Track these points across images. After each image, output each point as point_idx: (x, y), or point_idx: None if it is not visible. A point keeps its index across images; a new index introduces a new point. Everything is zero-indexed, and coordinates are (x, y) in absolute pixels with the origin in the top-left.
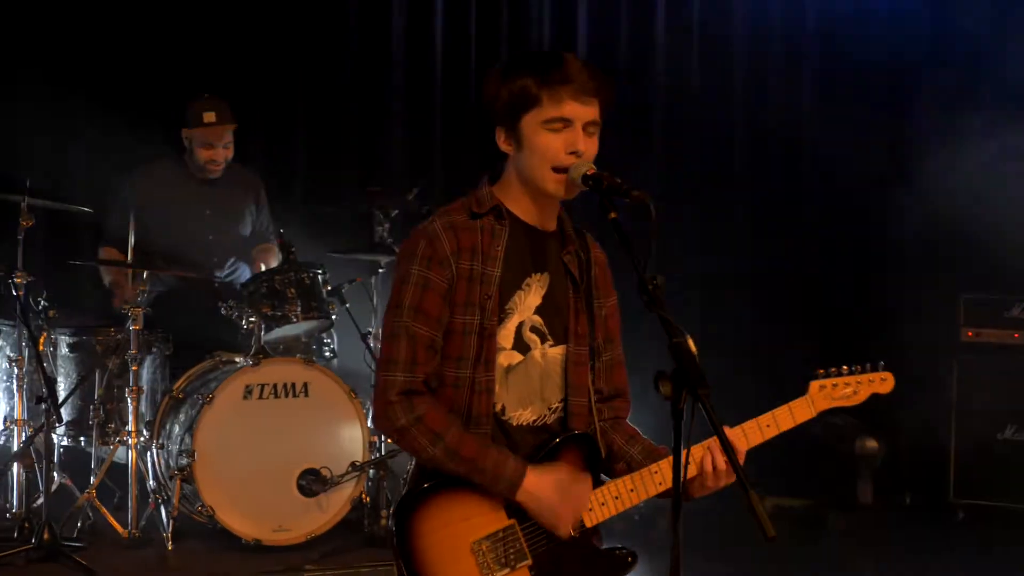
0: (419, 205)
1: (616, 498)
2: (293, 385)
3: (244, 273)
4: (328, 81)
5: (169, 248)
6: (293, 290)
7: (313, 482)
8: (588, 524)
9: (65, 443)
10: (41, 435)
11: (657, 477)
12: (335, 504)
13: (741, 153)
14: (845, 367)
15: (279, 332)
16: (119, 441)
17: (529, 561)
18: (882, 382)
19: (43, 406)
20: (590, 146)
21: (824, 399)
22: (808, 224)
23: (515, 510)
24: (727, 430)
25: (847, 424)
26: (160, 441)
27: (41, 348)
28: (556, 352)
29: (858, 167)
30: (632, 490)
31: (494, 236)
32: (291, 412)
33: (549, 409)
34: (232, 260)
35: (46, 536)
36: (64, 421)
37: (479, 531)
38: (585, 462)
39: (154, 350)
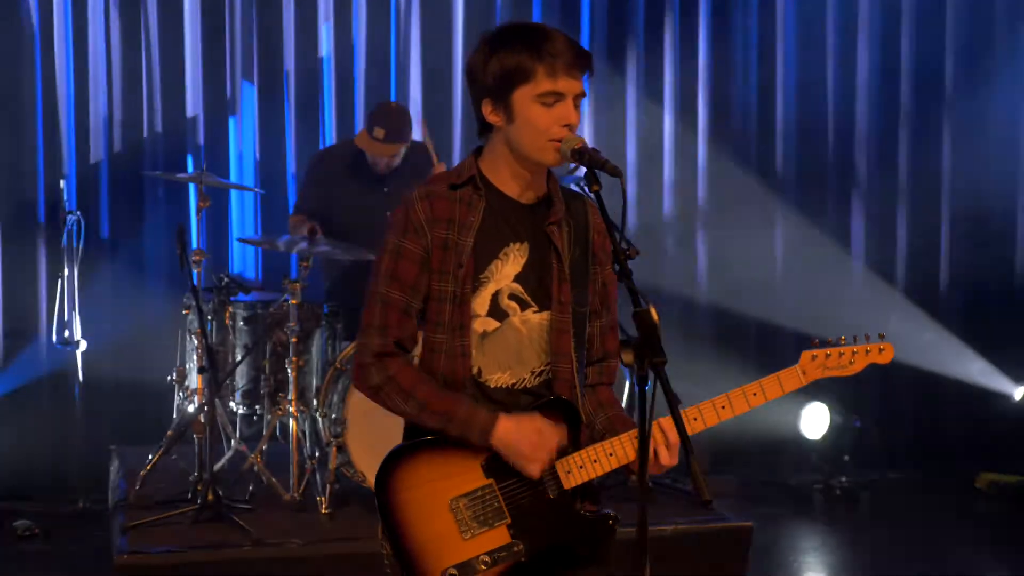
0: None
1: (595, 461)
2: None
3: None
4: None
5: (349, 225)
6: None
7: None
8: (566, 486)
9: (242, 411)
10: (198, 402)
11: (637, 443)
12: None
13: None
14: (843, 338)
15: None
16: (279, 410)
17: (508, 520)
18: (880, 352)
19: (205, 375)
20: (577, 118)
21: (816, 368)
22: None
23: (493, 470)
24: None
25: None
26: (323, 410)
27: (228, 322)
28: (541, 318)
29: None
30: (611, 454)
31: (471, 206)
32: None
33: (532, 373)
34: None
35: (210, 497)
36: (240, 390)
37: (457, 489)
38: (565, 426)
39: (323, 323)
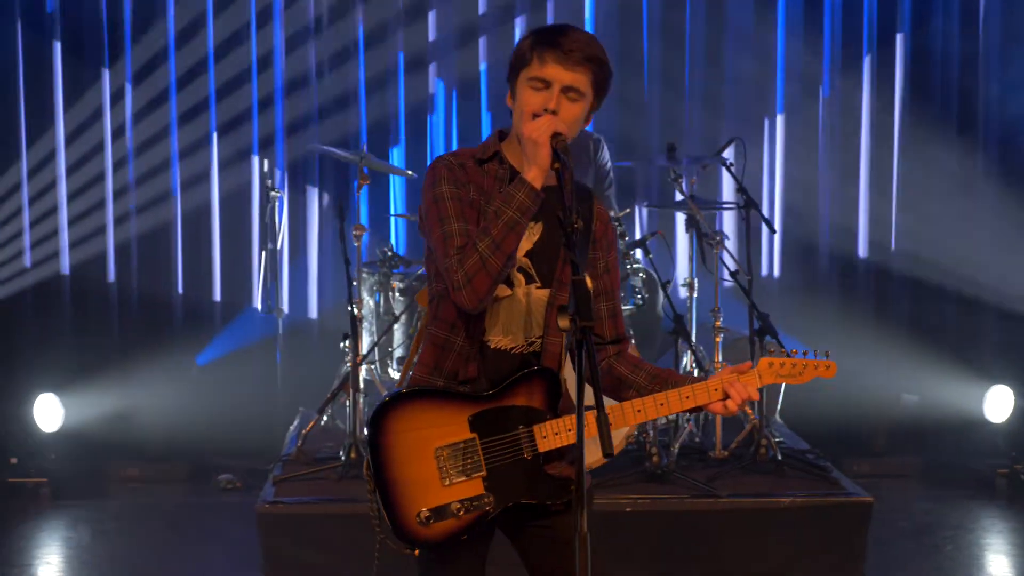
0: (729, 159)
1: (569, 430)
2: None
3: None
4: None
5: None
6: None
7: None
8: (540, 449)
9: (395, 376)
10: (364, 366)
11: (637, 405)
12: (613, 440)
13: None
14: (795, 351)
15: None
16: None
17: (484, 472)
18: (826, 368)
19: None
20: (567, 109)
21: (771, 375)
22: None
23: (478, 426)
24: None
25: None
26: None
27: (392, 293)
28: (542, 294)
29: None
30: (610, 418)
31: (497, 179)
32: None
33: (527, 342)
34: None
35: (353, 455)
36: (396, 357)
37: (443, 439)
38: (547, 395)
39: None
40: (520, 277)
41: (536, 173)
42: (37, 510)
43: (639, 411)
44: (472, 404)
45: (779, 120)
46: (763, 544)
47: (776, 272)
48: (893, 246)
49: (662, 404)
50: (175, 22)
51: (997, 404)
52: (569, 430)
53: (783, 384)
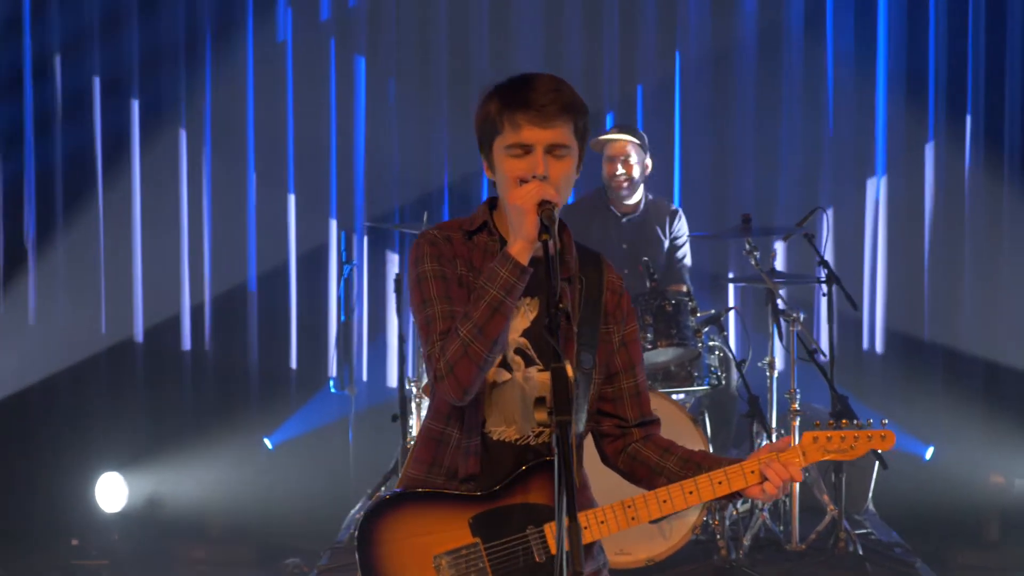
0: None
1: (585, 528)
2: None
3: None
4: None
5: None
6: (650, 317)
7: None
8: (554, 551)
9: None
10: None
11: (663, 495)
12: (678, 531)
13: None
14: (845, 421)
15: None
16: None
17: None
18: (882, 439)
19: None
20: (556, 168)
21: (817, 451)
22: None
23: (481, 528)
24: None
25: None
26: None
27: None
28: (543, 377)
29: None
30: (603, 522)
31: (486, 252)
32: None
33: (533, 432)
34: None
35: None
36: None
37: (441, 546)
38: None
39: None
40: (519, 360)
41: (522, 246)
42: None
43: (664, 501)
44: (472, 505)
45: (881, 183)
46: None
47: (879, 348)
48: (1000, 325)
49: (691, 492)
50: (255, 82)
51: None
52: (585, 527)
53: (875, 470)
